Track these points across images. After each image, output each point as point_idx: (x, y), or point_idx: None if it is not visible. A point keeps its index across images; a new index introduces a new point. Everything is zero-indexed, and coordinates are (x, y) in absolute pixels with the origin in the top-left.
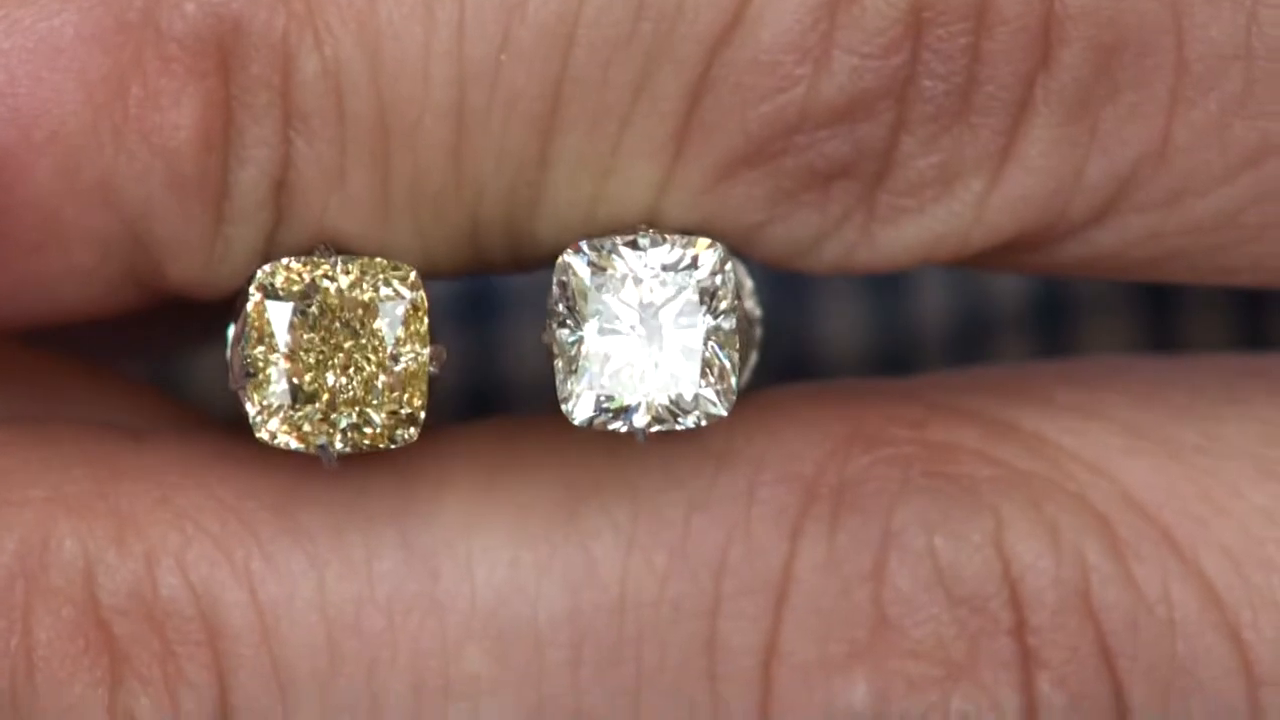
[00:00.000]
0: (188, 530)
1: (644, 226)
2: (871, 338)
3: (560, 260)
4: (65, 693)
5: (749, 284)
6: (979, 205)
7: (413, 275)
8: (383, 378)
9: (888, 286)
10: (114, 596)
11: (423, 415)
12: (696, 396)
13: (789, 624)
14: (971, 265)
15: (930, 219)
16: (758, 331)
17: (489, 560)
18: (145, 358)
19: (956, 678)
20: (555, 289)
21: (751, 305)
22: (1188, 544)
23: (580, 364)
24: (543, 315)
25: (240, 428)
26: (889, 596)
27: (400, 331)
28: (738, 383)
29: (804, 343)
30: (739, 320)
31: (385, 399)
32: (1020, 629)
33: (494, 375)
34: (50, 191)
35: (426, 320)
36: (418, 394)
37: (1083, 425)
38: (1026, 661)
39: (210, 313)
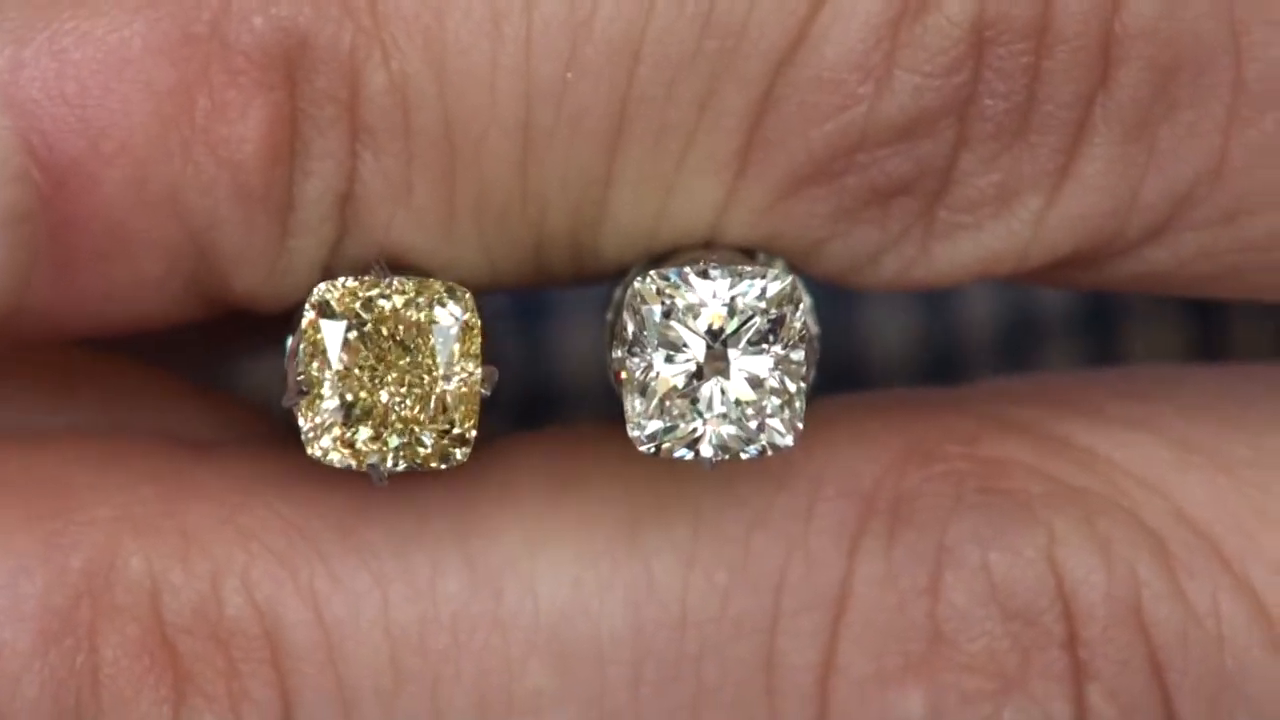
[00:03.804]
0: (252, 549)
1: (705, 260)
2: (918, 347)
3: (629, 288)
4: (130, 710)
5: (808, 300)
6: (1036, 223)
7: (467, 296)
8: (435, 398)
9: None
10: (179, 615)
11: (474, 436)
12: (763, 426)
13: (845, 639)
14: (1025, 281)
15: (988, 236)
16: (817, 347)
17: (552, 579)
18: (201, 362)
19: (1009, 690)
20: (624, 316)
21: (811, 321)
22: (1237, 559)
23: (647, 391)
24: (594, 314)
25: (301, 440)
26: (944, 611)
27: (453, 352)
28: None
29: (851, 343)
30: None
31: (437, 419)
32: (1072, 642)
33: (546, 375)
34: (118, 202)
35: (479, 341)
36: (469, 415)
37: (1134, 439)
38: (1078, 674)
39: (268, 321)
